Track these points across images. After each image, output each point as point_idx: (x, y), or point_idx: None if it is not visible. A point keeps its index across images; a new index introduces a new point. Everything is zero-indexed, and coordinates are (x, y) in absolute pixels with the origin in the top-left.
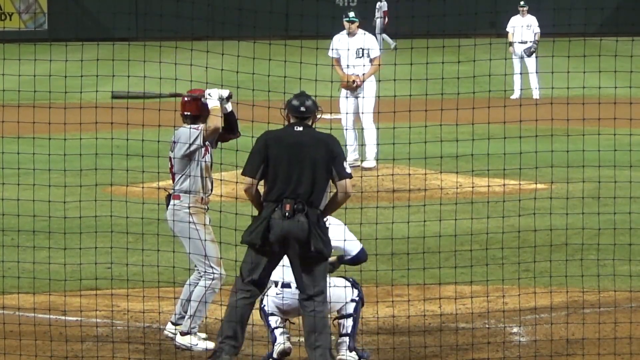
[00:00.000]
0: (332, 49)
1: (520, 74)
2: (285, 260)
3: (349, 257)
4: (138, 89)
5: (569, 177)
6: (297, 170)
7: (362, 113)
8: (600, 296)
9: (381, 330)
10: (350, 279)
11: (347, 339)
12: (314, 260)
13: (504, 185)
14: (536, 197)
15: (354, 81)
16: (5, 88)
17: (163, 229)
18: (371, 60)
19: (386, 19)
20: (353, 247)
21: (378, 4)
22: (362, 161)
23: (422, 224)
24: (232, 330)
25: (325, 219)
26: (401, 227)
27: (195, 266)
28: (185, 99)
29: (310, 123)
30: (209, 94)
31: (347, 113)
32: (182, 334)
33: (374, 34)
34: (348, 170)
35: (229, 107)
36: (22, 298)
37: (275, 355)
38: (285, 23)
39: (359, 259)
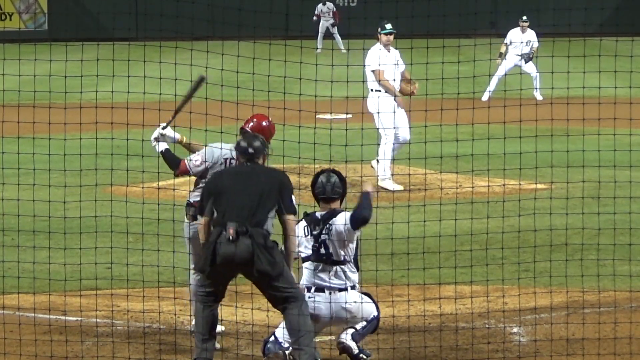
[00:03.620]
0: (378, 63)
1: (497, 75)
2: (316, 265)
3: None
4: (138, 89)
5: (569, 177)
6: (241, 195)
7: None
8: (600, 296)
9: (381, 330)
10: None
11: (352, 330)
12: (265, 278)
13: (504, 185)
14: (536, 197)
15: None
16: (5, 88)
17: (163, 229)
18: (402, 73)
19: (337, 19)
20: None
21: (319, 6)
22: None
23: (422, 224)
24: (204, 334)
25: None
26: (401, 227)
27: None
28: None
29: (260, 163)
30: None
31: (395, 127)
32: None
33: (317, 35)
34: (295, 205)
35: (161, 146)
36: (22, 298)
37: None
38: (285, 23)
39: (364, 210)
